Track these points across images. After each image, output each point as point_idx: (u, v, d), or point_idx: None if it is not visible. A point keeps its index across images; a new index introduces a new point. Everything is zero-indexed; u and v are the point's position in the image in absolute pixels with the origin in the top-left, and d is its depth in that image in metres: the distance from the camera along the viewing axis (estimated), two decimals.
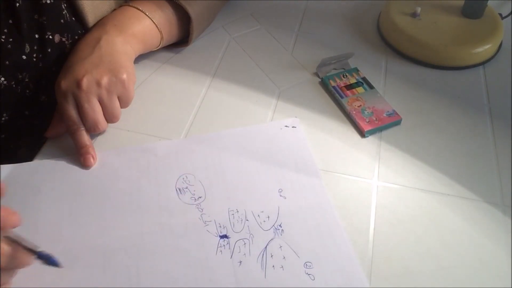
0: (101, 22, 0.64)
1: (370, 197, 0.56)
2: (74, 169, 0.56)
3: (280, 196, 0.55)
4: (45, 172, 0.56)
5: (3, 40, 0.54)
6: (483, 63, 0.73)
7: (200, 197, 0.55)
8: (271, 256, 0.50)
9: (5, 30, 0.54)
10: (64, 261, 0.48)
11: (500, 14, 0.76)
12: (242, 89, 0.68)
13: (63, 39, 0.61)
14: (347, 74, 0.69)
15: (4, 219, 0.42)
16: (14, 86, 0.57)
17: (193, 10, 0.67)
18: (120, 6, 0.66)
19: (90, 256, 0.49)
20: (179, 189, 0.55)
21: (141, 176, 0.56)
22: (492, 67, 0.73)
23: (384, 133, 0.63)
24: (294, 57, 0.73)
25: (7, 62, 0.55)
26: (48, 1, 0.57)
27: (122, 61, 0.59)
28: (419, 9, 0.74)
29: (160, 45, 0.69)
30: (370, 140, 0.62)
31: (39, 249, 0.44)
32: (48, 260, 0.45)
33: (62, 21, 0.60)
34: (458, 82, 0.70)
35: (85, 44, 0.60)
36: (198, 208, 0.54)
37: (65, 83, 0.56)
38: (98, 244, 0.50)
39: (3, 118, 0.58)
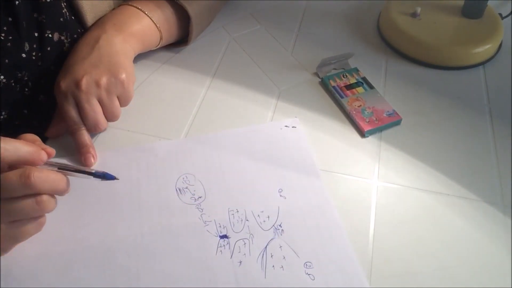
0: (100, 21, 0.64)
1: (370, 197, 0.56)
2: None
3: (280, 196, 0.55)
4: None
5: (2, 38, 0.54)
6: (483, 63, 0.73)
7: (200, 197, 0.55)
8: (271, 256, 0.50)
9: (5, 28, 0.54)
10: (64, 261, 0.48)
11: (500, 14, 0.76)
12: (242, 89, 0.68)
13: (62, 38, 0.61)
14: (347, 74, 0.69)
15: (35, 158, 0.46)
16: (13, 84, 0.57)
17: (192, 10, 0.67)
18: (119, 5, 0.66)
19: (90, 256, 0.49)
20: (179, 189, 0.55)
21: (141, 176, 0.56)
22: (492, 67, 0.73)
23: (384, 133, 0.63)
24: (294, 57, 0.73)
25: (6, 61, 0.55)
26: (48, 0, 0.57)
27: (121, 61, 0.59)
28: (419, 9, 0.74)
29: (160, 45, 0.69)
30: (370, 140, 0.62)
31: (93, 170, 0.51)
32: (104, 176, 0.51)
33: (61, 19, 0.60)
34: (458, 82, 0.70)
35: (84, 44, 0.60)
36: (198, 208, 0.54)
37: (64, 84, 0.56)
38: (98, 244, 0.50)
39: (1, 117, 0.58)
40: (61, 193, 0.47)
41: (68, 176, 0.49)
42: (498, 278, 0.49)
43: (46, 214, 0.48)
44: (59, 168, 0.48)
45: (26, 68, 0.58)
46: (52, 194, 0.46)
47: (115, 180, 0.51)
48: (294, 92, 0.68)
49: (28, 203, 0.45)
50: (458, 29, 0.73)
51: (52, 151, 0.48)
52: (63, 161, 0.57)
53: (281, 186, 0.56)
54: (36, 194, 0.45)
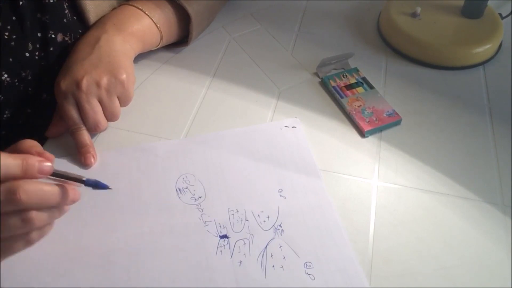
0: (101, 21, 0.64)
1: (370, 197, 0.56)
2: (75, 169, 0.56)
3: (280, 196, 0.55)
4: None
5: (6, 36, 0.54)
6: (483, 63, 0.73)
7: (200, 197, 0.55)
8: (271, 256, 0.50)
9: (8, 27, 0.55)
10: (64, 261, 0.48)
11: (500, 14, 0.76)
12: (242, 89, 0.68)
13: (66, 38, 0.61)
14: (347, 74, 0.69)
15: (38, 168, 0.43)
16: (17, 83, 0.58)
17: (192, 10, 0.67)
18: (120, 4, 0.66)
19: (90, 256, 0.49)
20: (179, 189, 0.55)
21: (141, 176, 0.56)
22: (492, 67, 0.73)
23: (384, 133, 0.63)
24: (294, 57, 0.73)
25: (10, 59, 0.56)
26: (51, 0, 0.57)
27: (121, 61, 0.59)
28: (419, 9, 0.74)
29: (160, 44, 0.69)
30: (370, 140, 0.62)
31: (85, 178, 0.47)
32: (96, 185, 0.47)
33: (64, 20, 0.60)
34: (458, 82, 0.70)
35: (85, 43, 0.60)
36: (198, 208, 0.54)
37: (64, 84, 0.56)
38: (98, 244, 0.50)
39: (5, 116, 0.58)
40: (54, 206, 0.44)
41: (76, 187, 0.46)
42: (498, 278, 0.49)
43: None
44: (49, 176, 0.45)
45: (30, 67, 0.58)
46: (42, 209, 0.43)
47: (114, 185, 0.49)
48: (294, 92, 0.68)
49: (15, 220, 0.41)
50: (458, 29, 0.73)
51: (50, 156, 0.46)
52: (62, 163, 0.57)
53: (281, 186, 0.56)
54: (25, 210, 0.42)
